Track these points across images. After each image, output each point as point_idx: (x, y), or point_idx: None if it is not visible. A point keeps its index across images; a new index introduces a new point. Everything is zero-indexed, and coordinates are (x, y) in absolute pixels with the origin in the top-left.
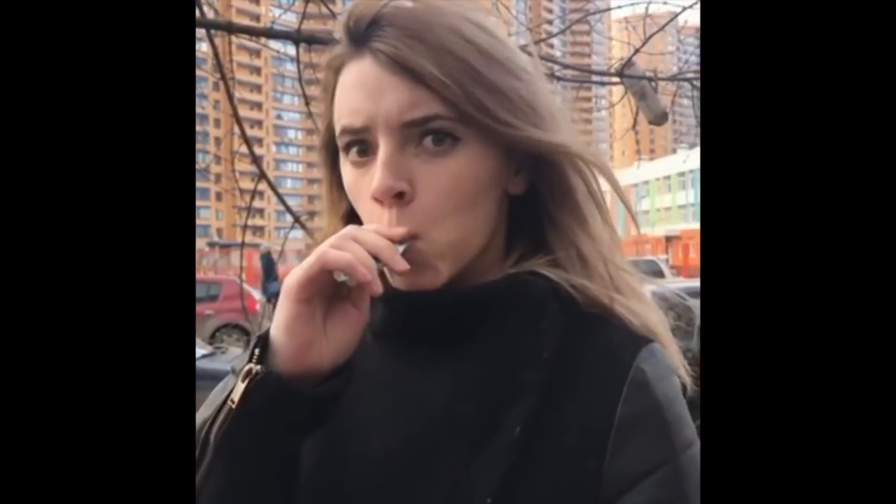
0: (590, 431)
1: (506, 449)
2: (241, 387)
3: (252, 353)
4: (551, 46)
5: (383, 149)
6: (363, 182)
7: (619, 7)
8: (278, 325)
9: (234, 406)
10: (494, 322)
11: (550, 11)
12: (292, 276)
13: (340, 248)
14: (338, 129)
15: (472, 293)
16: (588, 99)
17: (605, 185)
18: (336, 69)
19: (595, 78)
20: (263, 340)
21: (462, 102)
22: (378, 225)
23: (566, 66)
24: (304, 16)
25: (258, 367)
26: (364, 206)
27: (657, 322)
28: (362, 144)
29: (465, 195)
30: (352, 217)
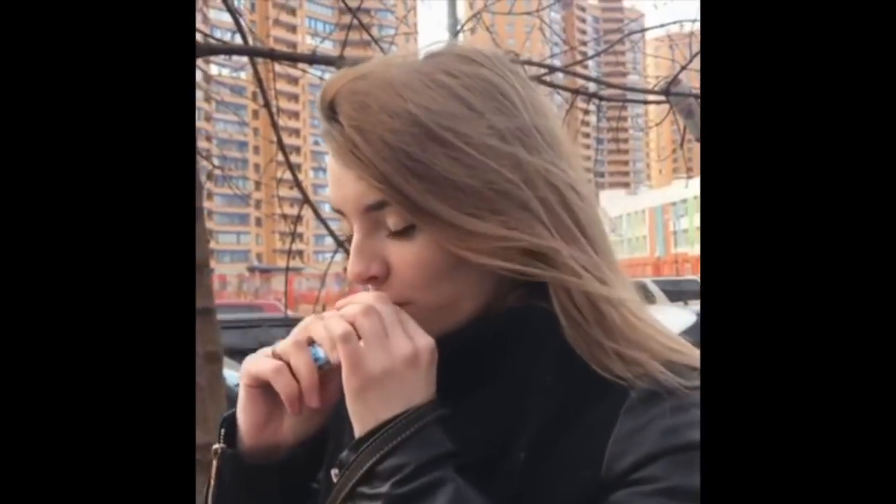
0: (589, 449)
1: (512, 476)
2: (213, 464)
3: (219, 433)
4: (586, 67)
5: (355, 233)
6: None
7: (662, 26)
8: (238, 404)
9: (213, 482)
10: (496, 356)
11: (584, 32)
12: (246, 361)
13: (283, 353)
14: None
15: (475, 329)
16: (624, 118)
17: (619, 209)
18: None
19: (638, 97)
20: (230, 420)
21: (402, 195)
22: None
23: (610, 85)
24: (346, 42)
25: (221, 445)
26: (353, 280)
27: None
28: (347, 224)
29: (438, 271)
30: None
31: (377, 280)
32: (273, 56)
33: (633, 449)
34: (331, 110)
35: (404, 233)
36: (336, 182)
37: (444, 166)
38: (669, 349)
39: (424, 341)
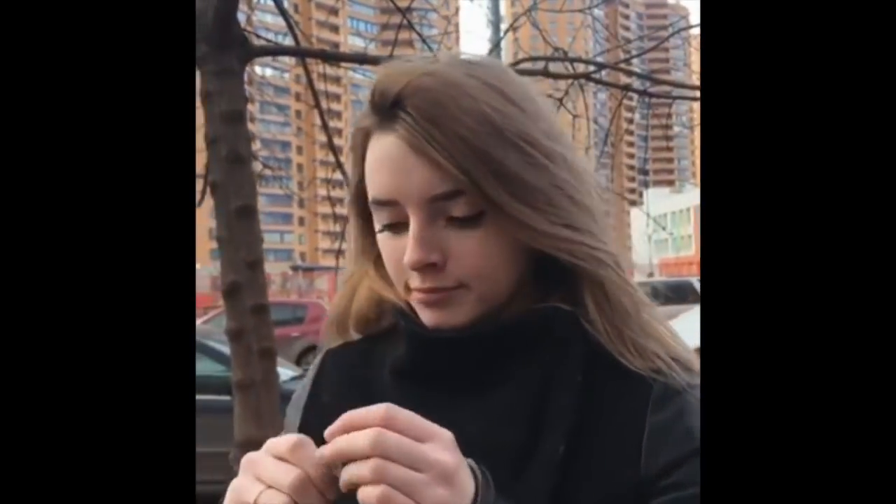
0: (624, 444)
1: (550, 469)
2: None
3: None
4: (630, 63)
5: (414, 222)
6: (395, 247)
7: None
8: None
9: None
10: (525, 352)
11: (628, 29)
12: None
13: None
14: (369, 197)
15: (503, 327)
16: (669, 115)
17: (664, 207)
18: (365, 134)
19: (685, 93)
20: None
21: (479, 186)
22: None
23: (658, 81)
24: (396, 42)
25: None
26: (396, 268)
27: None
28: (392, 213)
29: (495, 261)
30: (381, 262)
31: (435, 267)
32: (324, 56)
33: (664, 450)
34: (395, 104)
35: (469, 222)
36: (395, 172)
37: (514, 164)
38: (679, 350)
39: (446, 437)
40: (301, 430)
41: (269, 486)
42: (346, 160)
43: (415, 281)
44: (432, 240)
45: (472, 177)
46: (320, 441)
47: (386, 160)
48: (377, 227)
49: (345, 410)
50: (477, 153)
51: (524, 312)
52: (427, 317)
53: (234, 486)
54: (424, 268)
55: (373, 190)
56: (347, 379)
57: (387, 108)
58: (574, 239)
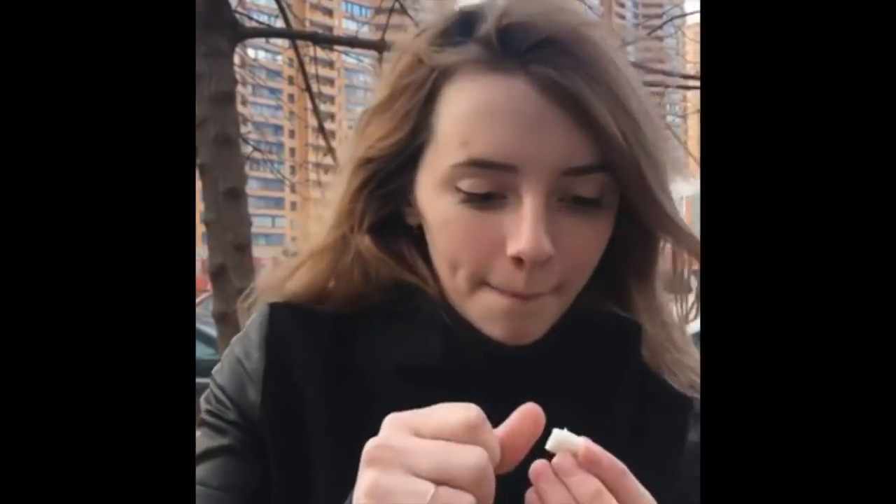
0: (666, 461)
1: None
2: None
3: None
4: (626, 52)
5: (534, 199)
6: (482, 227)
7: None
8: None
9: None
10: (584, 362)
11: (623, 18)
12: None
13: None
14: (460, 157)
15: (574, 338)
16: (662, 105)
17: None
18: (445, 70)
19: (677, 81)
20: None
21: (624, 162)
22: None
23: (652, 71)
24: (388, 26)
25: None
26: (475, 255)
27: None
28: (493, 180)
29: (597, 256)
30: (381, 229)
31: (547, 263)
32: (315, 39)
33: (698, 465)
34: (539, 44)
35: (591, 205)
36: (525, 128)
37: (651, 139)
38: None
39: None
40: (263, 407)
41: (441, 483)
42: (384, 103)
43: (504, 276)
44: (550, 226)
45: (630, 151)
46: (294, 417)
47: (509, 111)
48: (447, 196)
49: (339, 404)
50: (630, 121)
51: (592, 320)
52: (501, 328)
53: (373, 492)
54: (534, 262)
55: (476, 146)
56: (326, 363)
57: (517, 43)
58: (684, 228)
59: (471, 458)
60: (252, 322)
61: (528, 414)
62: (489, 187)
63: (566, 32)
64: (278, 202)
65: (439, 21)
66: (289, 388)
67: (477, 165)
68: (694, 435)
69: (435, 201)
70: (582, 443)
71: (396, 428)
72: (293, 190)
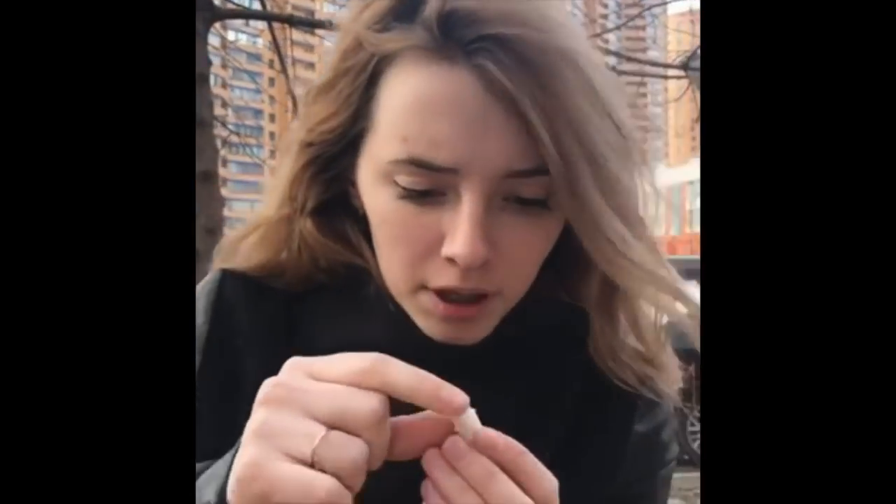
0: (608, 453)
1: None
2: None
3: None
4: (606, 41)
5: (473, 201)
6: (420, 224)
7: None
8: None
9: None
10: (532, 354)
11: (606, 6)
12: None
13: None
14: (400, 154)
15: (526, 331)
16: (644, 95)
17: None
18: (387, 56)
19: (657, 71)
20: None
21: (556, 171)
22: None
23: (629, 59)
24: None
25: None
26: (413, 251)
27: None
28: (433, 179)
29: (545, 251)
30: (325, 212)
31: (486, 265)
32: (291, 21)
33: (641, 459)
34: (483, 36)
35: (535, 206)
36: (466, 126)
37: (601, 149)
38: (663, 357)
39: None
40: (201, 374)
41: (334, 427)
42: (325, 87)
43: (442, 279)
44: (489, 228)
45: (569, 159)
46: (231, 386)
47: (450, 106)
48: (385, 189)
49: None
50: (578, 130)
51: (541, 312)
52: (440, 330)
53: (261, 430)
54: (468, 267)
55: (416, 145)
56: (267, 336)
57: (461, 32)
58: (626, 256)
59: (367, 402)
60: (202, 286)
61: (441, 397)
62: (429, 185)
63: (516, 25)
64: (257, 186)
65: None
66: (229, 356)
67: (416, 165)
68: (641, 426)
69: (374, 192)
70: (478, 428)
71: (296, 370)
72: (272, 175)
